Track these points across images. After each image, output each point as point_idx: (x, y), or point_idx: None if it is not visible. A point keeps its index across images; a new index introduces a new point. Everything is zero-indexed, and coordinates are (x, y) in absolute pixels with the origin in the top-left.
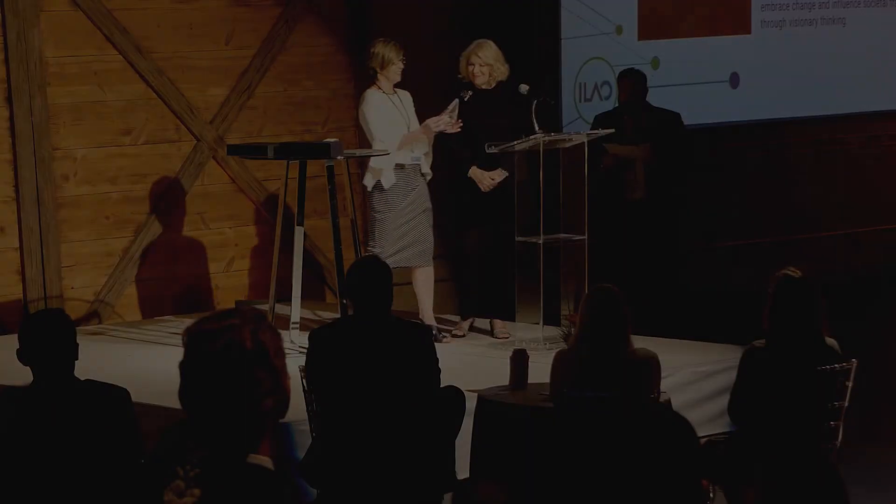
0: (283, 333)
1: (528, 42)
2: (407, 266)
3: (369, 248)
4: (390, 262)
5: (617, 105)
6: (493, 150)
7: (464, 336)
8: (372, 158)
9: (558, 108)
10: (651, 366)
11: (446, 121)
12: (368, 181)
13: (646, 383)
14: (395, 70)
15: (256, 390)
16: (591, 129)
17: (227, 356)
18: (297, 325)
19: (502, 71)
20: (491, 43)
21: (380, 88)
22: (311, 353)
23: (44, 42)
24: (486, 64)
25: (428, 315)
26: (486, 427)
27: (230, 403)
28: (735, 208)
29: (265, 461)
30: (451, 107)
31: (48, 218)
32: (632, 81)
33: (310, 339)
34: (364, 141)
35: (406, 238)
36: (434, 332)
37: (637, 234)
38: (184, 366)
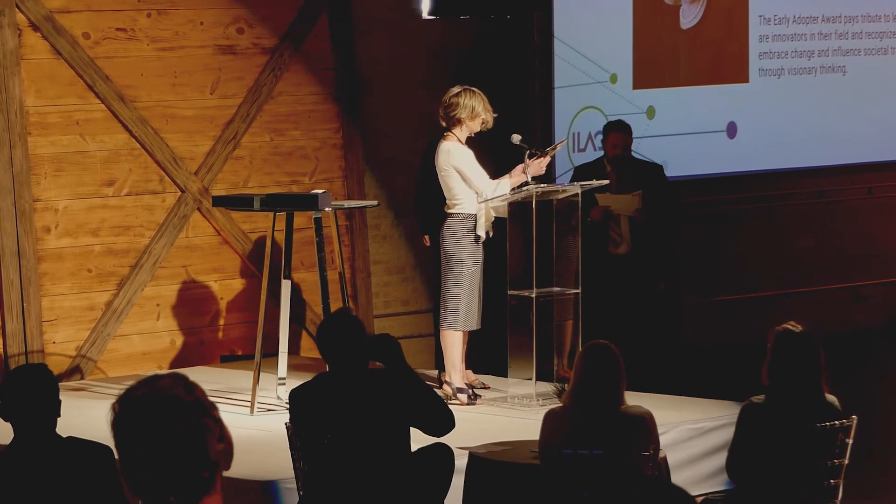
0: (270, 389)
1: (521, 90)
2: (474, 329)
3: (449, 307)
4: (472, 324)
5: (603, 155)
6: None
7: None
8: (493, 207)
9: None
10: (643, 423)
11: (543, 165)
12: (485, 230)
13: (641, 441)
14: (479, 123)
15: (205, 436)
16: (573, 180)
17: (168, 410)
18: (284, 381)
19: None
20: None
21: (458, 140)
22: (293, 413)
23: (24, 91)
24: None
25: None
26: (476, 485)
27: (180, 455)
28: (732, 261)
29: None
30: (549, 150)
31: (29, 271)
32: (623, 136)
33: (290, 398)
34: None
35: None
36: (469, 394)
37: (621, 289)
38: (121, 434)
